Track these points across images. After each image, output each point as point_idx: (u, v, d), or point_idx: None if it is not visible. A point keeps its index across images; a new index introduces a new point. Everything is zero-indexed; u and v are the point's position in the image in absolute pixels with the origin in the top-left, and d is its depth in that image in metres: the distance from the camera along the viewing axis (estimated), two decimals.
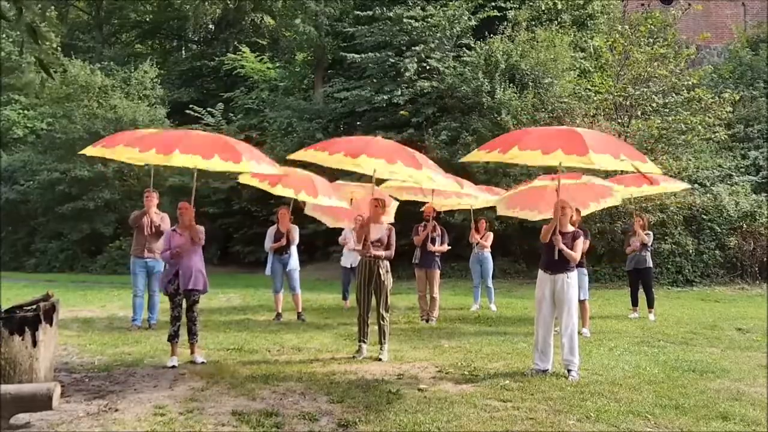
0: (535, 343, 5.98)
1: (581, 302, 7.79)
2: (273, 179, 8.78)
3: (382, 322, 6.58)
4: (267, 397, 5.04)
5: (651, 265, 10.02)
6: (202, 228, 6.39)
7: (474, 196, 9.59)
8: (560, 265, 5.84)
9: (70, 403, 4.78)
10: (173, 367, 5.98)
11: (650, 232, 10.17)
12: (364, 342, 6.66)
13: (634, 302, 9.93)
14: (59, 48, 24.82)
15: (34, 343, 4.70)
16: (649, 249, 9.89)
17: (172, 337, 6.18)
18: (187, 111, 21.69)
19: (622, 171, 7.80)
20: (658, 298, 12.82)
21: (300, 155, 6.68)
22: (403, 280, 14.18)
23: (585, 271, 8.23)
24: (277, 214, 9.65)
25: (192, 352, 6.29)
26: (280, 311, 9.34)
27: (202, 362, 6.17)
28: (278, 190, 8.87)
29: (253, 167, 5.96)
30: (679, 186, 10.28)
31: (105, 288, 14.35)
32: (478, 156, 6.10)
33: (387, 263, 6.67)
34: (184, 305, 6.25)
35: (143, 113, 21.29)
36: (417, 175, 6.34)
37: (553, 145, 5.48)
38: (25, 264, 21.51)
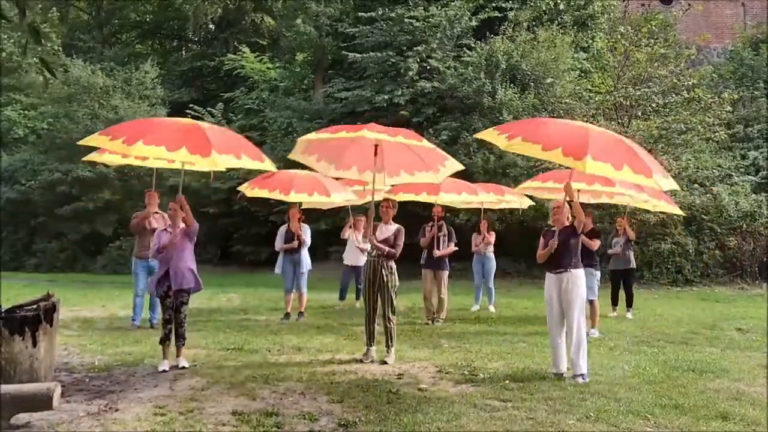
0: (551, 347, 5.89)
1: (590, 302, 7.77)
2: (284, 187, 8.97)
3: (388, 325, 6.47)
4: (267, 396, 5.04)
5: (634, 266, 10.17)
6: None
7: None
8: (564, 263, 5.74)
9: (71, 403, 4.79)
10: (164, 371, 5.85)
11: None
12: (371, 345, 6.53)
13: (615, 302, 10.01)
14: (60, 48, 24.83)
15: (35, 343, 4.70)
16: (631, 248, 10.00)
17: (164, 340, 6.02)
18: (188, 111, 21.69)
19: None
20: (659, 297, 12.86)
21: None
22: (403, 280, 14.15)
23: (594, 271, 8.22)
24: (287, 214, 9.69)
25: (178, 356, 6.07)
26: (289, 311, 9.35)
27: (184, 366, 5.97)
28: (292, 197, 8.99)
29: (228, 162, 5.70)
30: (674, 210, 10.08)
31: (105, 288, 14.36)
32: (491, 136, 5.82)
33: (393, 264, 6.60)
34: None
35: (144, 113, 21.30)
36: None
37: (554, 142, 5.31)
38: (26, 264, 21.51)
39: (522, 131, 5.60)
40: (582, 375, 5.60)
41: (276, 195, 9.13)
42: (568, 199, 5.80)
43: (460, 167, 7.09)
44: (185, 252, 6.10)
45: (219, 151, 5.54)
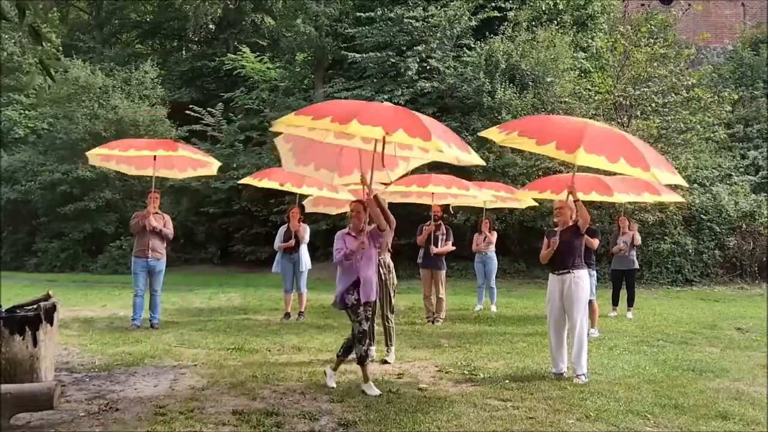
0: (549, 347, 5.92)
1: (589, 302, 7.77)
2: (296, 181, 8.98)
3: (387, 324, 6.48)
4: (267, 396, 5.05)
5: (637, 266, 10.19)
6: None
7: (472, 195, 9.62)
8: (567, 263, 5.77)
9: (71, 403, 4.79)
10: (333, 387, 5.26)
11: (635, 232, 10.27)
12: (372, 345, 6.50)
13: (615, 302, 10.01)
14: (60, 48, 24.83)
15: (35, 343, 4.71)
16: (635, 248, 10.00)
17: (364, 359, 5.20)
18: (188, 111, 21.71)
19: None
20: (659, 297, 12.87)
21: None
22: (403, 279, 14.19)
23: (593, 272, 8.22)
24: (288, 213, 9.72)
25: (366, 380, 5.23)
26: (289, 311, 9.36)
27: (377, 395, 5.07)
28: (305, 190, 9.15)
29: (444, 148, 4.91)
30: (675, 198, 10.12)
31: (106, 288, 14.37)
32: (492, 134, 5.75)
33: (390, 262, 6.61)
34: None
35: (144, 113, 21.30)
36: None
37: (549, 137, 5.30)
38: (26, 263, 21.50)
39: (519, 127, 5.60)
40: (583, 374, 5.61)
41: (288, 187, 9.19)
42: (572, 199, 5.79)
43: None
44: (372, 259, 5.41)
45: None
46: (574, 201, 5.77)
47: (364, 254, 5.28)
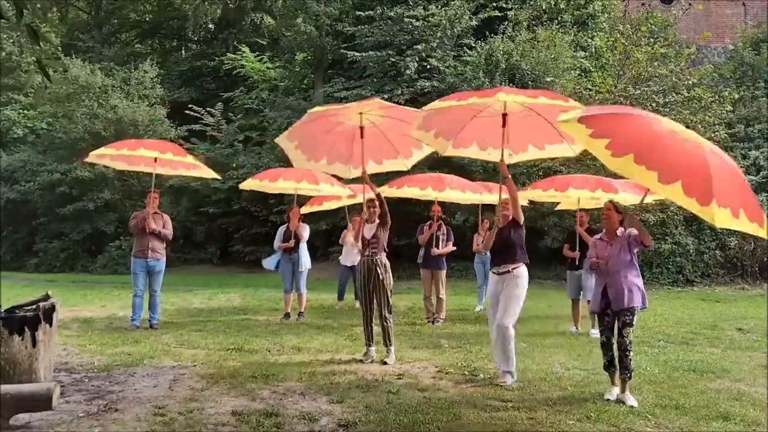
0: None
1: (588, 302, 7.75)
2: (272, 176, 9.28)
3: (385, 324, 6.46)
4: (267, 397, 5.03)
5: None
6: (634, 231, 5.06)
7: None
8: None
9: (70, 403, 4.78)
10: (608, 400, 4.99)
11: None
12: (371, 345, 6.54)
13: None
14: (59, 48, 24.80)
15: (34, 343, 4.69)
16: None
17: (608, 366, 5.19)
18: (187, 111, 21.69)
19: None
20: (659, 297, 12.85)
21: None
22: (403, 280, 14.18)
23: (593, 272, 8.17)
24: (287, 214, 9.72)
25: (623, 390, 5.07)
26: (289, 311, 9.35)
27: (632, 406, 4.85)
28: (280, 184, 9.28)
29: (726, 220, 3.87)
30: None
31: (105, 288, 14.35)
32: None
33: (387, 262, 6.60)
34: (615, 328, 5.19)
35: (143, 113, 21.28)
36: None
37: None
38: (26, 264, 21.50)
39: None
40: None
41: (265, 184, 9.39)
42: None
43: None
44: (627, 266, 5.16)
45: (720, 203, 3.81)
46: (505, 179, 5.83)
47: (614, 260, 5.08)
